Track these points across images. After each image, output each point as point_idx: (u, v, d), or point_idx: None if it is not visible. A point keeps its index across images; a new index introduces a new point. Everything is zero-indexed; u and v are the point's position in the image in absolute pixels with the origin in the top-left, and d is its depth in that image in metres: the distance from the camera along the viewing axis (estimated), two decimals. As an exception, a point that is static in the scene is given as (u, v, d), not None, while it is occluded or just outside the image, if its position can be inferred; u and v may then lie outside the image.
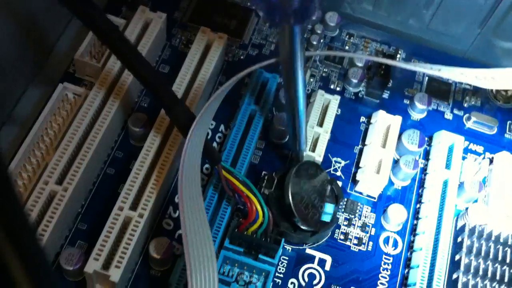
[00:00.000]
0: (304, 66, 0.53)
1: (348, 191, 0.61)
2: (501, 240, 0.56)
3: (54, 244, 0.53)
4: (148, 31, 0.63)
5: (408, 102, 0.68)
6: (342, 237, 0.58)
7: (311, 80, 0.68)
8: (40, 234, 0.50)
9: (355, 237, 0.58)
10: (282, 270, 0.56)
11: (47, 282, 0.26)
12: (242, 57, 0.68)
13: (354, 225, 0.59)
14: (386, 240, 0.59)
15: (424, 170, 0.63)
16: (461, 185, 0.60)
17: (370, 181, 0.59)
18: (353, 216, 0.59)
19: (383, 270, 0.57)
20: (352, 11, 0.73)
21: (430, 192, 0.59)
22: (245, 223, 0.53)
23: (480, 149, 0.66)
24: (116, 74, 0.59)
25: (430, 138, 0.65)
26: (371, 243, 0.58)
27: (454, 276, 0.55)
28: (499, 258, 0.55)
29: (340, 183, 0.60)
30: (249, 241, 0.53)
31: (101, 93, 0.57)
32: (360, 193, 0.61)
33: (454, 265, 0.56)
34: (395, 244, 0.59)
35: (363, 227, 0.59)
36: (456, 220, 0.59)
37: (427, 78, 0.70)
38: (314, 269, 0.56)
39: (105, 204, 0.55)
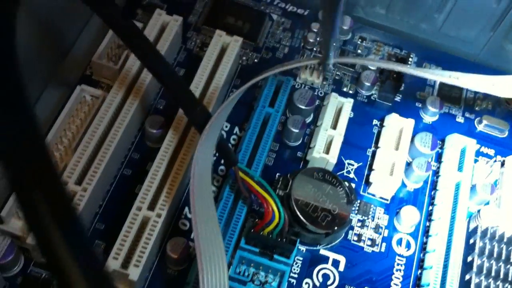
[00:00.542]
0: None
1: (361, 193, 0.62)
2: (513, 242, 0.57)
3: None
4: (165, 34, 0.63)
5: (420, 106, 0.68)
6: (355, 238, 0.59)
7: (324, 83, 0.68)
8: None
9: (369, 239, 0.59)
10: (297, 270, 0.56)
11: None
12: (256, 60, 0.69)
13: (367, 226, 0.60)
14: (399, 242, 0.59)
15: (436, 173, 0.64)
16: (473, 187, 0.60)
17: (383, 183, 0.60)
18: (366, 218, 0.60)
19: (396, 271, 0.58)
20: (365, 15, 0.74)
21: (443, 194, 0.60)
22: (261, 224, 0.53)
23: (491, 152, 0.66)
24: (133, 76, 0.60)
25: (442, 141, 0.66)
26: (384, 244, 0.59)
27: (467, 277, 0.55)
28: (511, 259, 0.56)
29: (353, 185, 0.60)
30: (264, 241, 0.53)
31: (119, 95, 0.58)
32: (373, 195, 0.62)
33: (467, 266, 0.56)
34: (408, 246, 0.59)
35: (376, 228, 0.60)
36: (469, 222, 0.59)
37: (438, 81, 0.71)
38: (328, 269, 0.57)
39: (122, 204, 0.56)
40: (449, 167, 0.61)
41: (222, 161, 0.61)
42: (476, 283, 0.54)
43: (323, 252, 0.58)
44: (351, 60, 0.69)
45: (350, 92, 0.68)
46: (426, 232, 0.60)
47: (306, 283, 0.56)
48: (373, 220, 0.60)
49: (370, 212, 0.61)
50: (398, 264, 0.58)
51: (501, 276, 0.55)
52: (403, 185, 0.62)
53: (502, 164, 0.64)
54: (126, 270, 0.50)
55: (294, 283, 0.56)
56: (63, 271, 0.27)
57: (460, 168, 0.62)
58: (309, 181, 0.57)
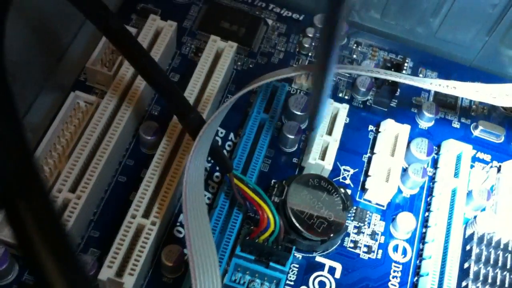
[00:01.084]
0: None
1: (357, 199, 0.61)
2: (510, 248, 0.56)
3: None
4: (159, 39, 0.63)
5: (416, 111, 0.68)
6: (351, 245, 0.59)
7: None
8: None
9: (365, 245, 0.59)
10: (293, 277, 0.56)
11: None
12: (251, 66, 0.69)
13: (363, 233, 0.59)
14: (395, 248, 0.59)
15: (432, 179, 0.63)
16: (469, 193, 0.60)
17: (379, 189, 0.60)
18: (362, 224, 0.60)
19: (393, 278, 0.58)
20: (360, 20, 0.74)
21: (439, 200, 0.60)
22: (256, 231, 0.53)
23: (487, 157, 0.66)
24: (127, 82, 0.60)
25: (438, 147, 0.65)
26: (380, 251, 0.59)
27: (464, 284, 0.55)
28: (508, 266, 0.55)
29: (349, 191, 0.60)
30: (260, 248, 0.53)
31: (113, 102, 0.58)
32: (369, 201, 0.61)
33: (463, 273, 0.56)
34: (404, 252, 0.59)
35: (373, 235, 0.59)
36: (465, 228, 0.59)
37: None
38: (324, 276, 0.57)
39: (117, 211, 0.56)
40: (445, 173, 0.61)
41: (218, 168, 0.60)
42: (472, 290, 0.54)
43: (319, 259, 0.58)
44: (346, 71, 0.69)
45: (346, 97, 0.68)
46: (423, 239, 0.60)
47: (302, 290, 0.56)
48: (369, 227, 0.60)
49: (366, 219, 0.60)
50: (394, 271, 0.58)
51: (498, 282, 0.54)
52: (399, 191, 0.62)
53: (499, 170, 0.64)
54: (120, 278, 0.49)
55: (290, 291, 0.56)
56: (48, 283, 0.26)
57: (456, 174, 0.61)
58: (305, 188, 0.57)
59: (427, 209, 0.61)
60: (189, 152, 0.49)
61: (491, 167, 0.65)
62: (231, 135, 0.63)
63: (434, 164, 0.64)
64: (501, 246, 0.56)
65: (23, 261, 0.52)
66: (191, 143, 0.56)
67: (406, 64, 0.71)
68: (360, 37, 0.73)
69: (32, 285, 0.52)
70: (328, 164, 0.60)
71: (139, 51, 0.49)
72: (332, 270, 0.57)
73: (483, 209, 0.61)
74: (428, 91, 0.70)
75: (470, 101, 0.70)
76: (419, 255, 0.59)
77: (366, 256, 0.58)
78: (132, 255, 0.50)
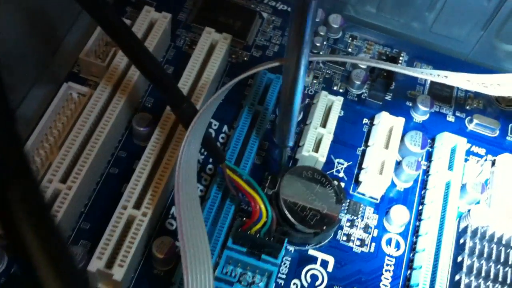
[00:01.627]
0: (308, 67, 0.52)
1: (350, 192, 0.61)
2: (503, 242, 0.56)
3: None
4: (153, 31, 0.63)
5: (410, 104, 0.68)
6: (344, 238, 0.58)
7: (314, 81, 0.68)
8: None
9: (358, 238, 0.59)
10: (285, 270, 0.56)
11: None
12: (246, 59, 0.68)
13: (356, 226, 0.59)
14: (389, 242, 0.59)
15: (426, 172, 0.63)
16: (463, 186, 0.60)
17: (373, 182, 0.59)
18: (355, 217, 0.60)
19: (386, 271, 0.57)
20: (356, 14, 0.73)
21: (433, 193, 0.60)
22: (248, 223, 0.53)
23: (482, 151, 0.66)
24: (121, 73, 0.59)
25: (433, 140, 0.65)
26: (373, 244, 0.58)
27: (457, 277, 0.55)
28: (502, 260, 0.55)
29: (342, 184, 0.60)
30: (252, 240, 0.53)
31: (106, 93, 0.58)
32: (363, 194, 0.61)
33: (456, 267, 0.56)
34: (398, 246, 0.59)
35: (366, 228, 0.59)
36: (459, 222, 0.59)
37: (429, 80, 0.70)
38: (317, 270, 0.56)
39: (108, 203, 0.55)
40: (439, 166, 0.61)
41: (211, 160, 0.60)
42: (466, 284, 0.54)
43: (311, 252, 0.57)
44: (341, 59, 0.69)
45: (341, 90, 0.68)
46: (416, 232, 0.59)
47: (294, 283, 0.55)
48: (362, 220, 0.60)
49: (360, 212, 0.60)
50: (387, 265, 0.58)
51: (491, 276, 0.54)
52: (393, 184, 0.62)
53: (493, 163, 0.63)
54: (110, 270, 0.49)
55: (282, 284, 0.55)
56: (38, 276, 0.26)
57: (450, 167, 0.61)
58: (298, 180, 0.56)
59: (421, 202, 0.61)
60: (182, 142, 0.49)
61: (486, 160, 0.64)
62: (225, 127, 0.63)
63: (428, 157, 0.64)
64: (495, 240, 0.56)
65: (12, 253, 0.51)
66: (183, 135, 0.56)
67: (401, 58, 0.70)
68: (355, 31, 0.73)
69: (22, 276, 0.52)
70: (321, 157, 0.59)
71: (133, 40, 0.49)
72: (324, 263, 0.57)
73: (477, 203, 0.60)
74: (423, 85, 0.70)
75: (465, 94, 0.70)
76: (412, 248, 0.59)
77: (359, 250, 0.58)
78: (122, 246, 0.50)
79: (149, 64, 0.49)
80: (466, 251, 0.56)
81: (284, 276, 0.55)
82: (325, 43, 0.71)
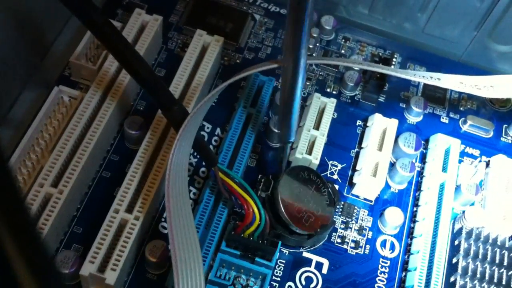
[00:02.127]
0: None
1: (345, 194, 0.61)
2: (498, 243, 0.56)
3: (49, 247, 0.52)
4: (144, 34, 0.62)
5: (404, 106, 0.68)
6: (339, 240, 0.58)
7: (307, 83, 0.68)
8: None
9: (352, 241, 0.58)
10: (279, 273, 0.55)
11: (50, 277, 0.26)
12: (238, 61, 0.68)
13: (351, 228, 0.59)
14: (383, 243, 0.58)
15: (420, 173, 0.63)
16: (457, 188, 0.60)
17: (367, 184, 0.59)
18: (350, 220, 0.59)
19: (381, 273, 0.57)
20: (348, 15, 0.73)
21: (427, 195, 0.59)
22: (241, 226, 0.52)
23: (476, 152, 0.66)
24: (112, 76, 0.59)
25: (427, 141, 0.65)
26: (368, 246, 0.58)
27: (452, 279, 0.55)
28: (496, 261, 0.55)
29: (337, 187, 0.60)
30: (246, 243, 0.52)
31: (97, 96, 0.57)
32: (357, 196, 0.61)
33: (451, 268, 0.55)
34: (392, 247, 0.58)
35: (360, 230, 0.59)
36: (453, 223, 0.59)
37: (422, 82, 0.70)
38: (311, 272, 0.56)
39: (101, 207, 0.55)
40: (434, 168, 0.61)
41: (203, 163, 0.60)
42: (461, 285, 0.54)
43: (306, 254, 0.57)
44: (333, 62, 0.68)
45: (334, 92, 0.68)
46: (411, 234, 0.59)
47: (289, 286, 0.55)
48: (356, 222, 0.59)
49: (354, 214, 0.60)
50: (382, 267, 0.57)
51: (486, 277, 0.54)
52: (387, 186, 0.62)
53: (487, 165, 0.63)
54: (102, 274, 0.48)
55: (277, 287, 0.55)
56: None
57: (444, 169, 0.61)
58: (295, 180, 0.56)
59: (415, 204, 0.61)
60: (173, 145, 0.48)
61: (480, 161, 0.64)
62: (218, 130, 0.63)
63: (422, 158, 0.64)
64: (490, 241, 0.56)
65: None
66: (175, 138, 0.56)
67: (394, 60, 0.70)
68: (348, 33, 0.73)
69: None
70: (315, 159, 0.59)
71: (122, 43, 0.48)
72: (319, 266, 0.56)
73: (472, 204, 0.60)
74: (417, 86, 0.70)
75: (459, 96, 0.70)
76: (407, 250, 0.58)
77: (353, 252, 0.58)
78: (115, 250, 0.50)
79: (138, 65, 0.49)
80: (461, 252, 0.55)
81: (278, 279, 0.55)
82: (318, 44, 0.70)
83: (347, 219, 0.59)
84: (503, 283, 0.54)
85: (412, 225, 0.60)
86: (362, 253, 0.58)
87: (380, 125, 0.63)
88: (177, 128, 0.49)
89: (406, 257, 0.58)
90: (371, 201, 0.61)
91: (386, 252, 0.58)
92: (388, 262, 0.58)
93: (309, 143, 0.60)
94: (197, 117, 0.50)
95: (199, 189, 0.58)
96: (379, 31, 0.73)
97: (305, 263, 0.56)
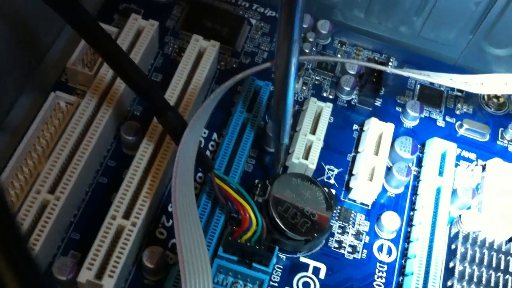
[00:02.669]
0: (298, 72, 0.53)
1: (341, 199, 0.61)
2: (495, 247, 0.56)
3: (46, 254, 0.52)
4: (140, 39, 0.62)
5: (400, 110, 0.68)
6: (336, 245, 0.58)
7: (304, 88, 0.68)
8: (33, 244, 0.49)
9: (349, 245, 0.58)
10: (277, 279, 0.55)
11: None
12: (234, 65, 0.68)
13: (348, 233, 0.59)
14: (380, 248, 0.59)
15: (417, 177, 0.63)
16: (454, 192, 0.60)
17: (364, 188, 0.59)
18: (347, 224, 0.59)
19: (378, 278, 0.57)
20: (344, 19, 0.73)
21: (424, 199, 0.59)
22: (238, 231, 0.53)
23: (472, 156, 0.66)
24: (108, 82, 0.59)
25: (423, 145, 0.65)
26: (365, 251, 0.58)
27: (449, 283, 0.55)
28: (493, 265, 0.55)
29: (333, 191, 0.60)
30: (242, 249, 0.52)
31: (93, 102, 0.57)
32: (354, 200, 0.61)
33: (448, 272, 0.56)
34: (389, 252, 0.58)
35: (357, 235, 0.59)
36: (450, 227, 0.59)
37: (419, 85, 0.70)
38: (309, 277, 0.56)
39: (98, 213, 0.55)
40: (430, 172, 0.61)
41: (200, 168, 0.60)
42: (458, 289, 0.54)
43: (303, 259, 0.57)
44: (331, 59, 0.69)
45: (330, 96, 0.68)
46: (407, 238, 0.59)
47: (286, 291, 0.55)
48: (353, 227, 0.59)
49: (351, 218, 0.60)
50: (379, 271, 0.57)
51: (483, 281, 0.54)
52: (384, 190, 0.62)
53: (483, 168, 0.63)
54: (100, 281, 0.48)
55: (274, 292, 0.55)
56: None
57: (441, 173, 0.61)
58: (288, 186, 0.56)
59: (412, 208, 0.61)
60: (178, 148, 0.48)
61: (476, 165, 0.64)
62: (214, 135, 0.63)
63: (419, 162, 0.64)
64: (486, 245, 0.56)
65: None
66: (172, 143, 0.56)
67: (390, 63, 0.70)
68: (344, 37, 0.73)
69: None
70: (311, 164, 0.59)
71: (113, 48, 0.48)
72: (316, 271, 0.57)
73: (468, 208, 0.60)
74: (413, 90, 0.70)
75: (455, 99, 0.70)
76: (404, 254, 0.58)
77: (351, 256, 0.58)
78: (112, 256, 0.50)
79: (132, 72, 0.49)
80: (458, 256, 0.56)
81: (276, 284, 0.55)
82: (314, 49, 0.70)
83: (344, 223, 0.59)
84: (500, 287, 0.54)
85: (409, 229, 0.60)
86: (359, 257, 0.58)
87: (376, 130, 0.63)
88: (172, 133, 0.49)
89: (403, 261, 0.58)
90: (368, 206, 0.61)
91: (383, 257, 0.58)
92: (385, 266, 0.58)
93: (306, 148, 0.60)
94: (200, 122, 0.51)
95: (196, 195, 0.58)
96: (375, 35, 0.73)
97: (302, 268, 0.56)
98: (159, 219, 0.57)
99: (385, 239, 0.59)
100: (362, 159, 0.61)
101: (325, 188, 0.57)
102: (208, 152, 0.61)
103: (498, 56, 0.71)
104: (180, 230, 0.45)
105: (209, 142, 0.62)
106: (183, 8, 0.71)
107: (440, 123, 0.68)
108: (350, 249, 0.58)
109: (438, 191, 0.60)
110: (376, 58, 0.72)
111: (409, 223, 0.60)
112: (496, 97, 0.70)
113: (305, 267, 0.57)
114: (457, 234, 0.57)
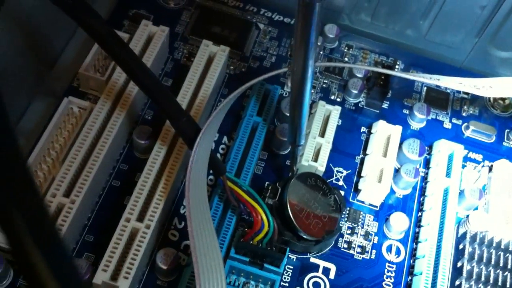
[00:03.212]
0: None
1: (350, 200, 0.62)
2: (502, 247, 0.57)
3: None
4: (151, 45, 0.63)
5: (407, 112, 0.69)
6: (345, 245, 0.59)
7: (312, 91, 0.68)
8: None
9: (359, 246, 0.59)
10: (287, 279, 0.56)
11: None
12: (243, 70, 0.69)
13: (357, 233, 0.60)
14: (389, 248, 0.59)
15: (424, 179, 0.64)
16: (461, 193, 0.61)
17: (372, 190, 0.60)
18: (356, 225, 0.60)
19: (387, 277, 0.58)
20: (351, 23, 0.74)
21: (431, 200, 0.60)
22: (250, 233, 0.53)
23: (479, 157, 0.67)
24: (120, 87, 0.60)
25: (430, 147, 0.66)
26: (374, 251, 0.59)
27: (457, 282, 0.55)
28: (501, 264, 0.56)
29: (342, 193, 0.61)
30: (254, 250, 0.53)
31: (106, 106, 0.58)
32: (362, 202, 0.62)
33: (456, 272, 0.56)
34: (398, 252, 0.59)
35: (366, 235, 0.60)
36: (458, 228, 0.59)
37: (425, 88, 0.71)
38: (319, 277, 0.57)
39: (111, 216, 0.56)
40: (437, 173, 0.62)
41: (211, 171, 0.60)
42: (466, 288, 0.55)
43: (313, 260, 0.58)
44: (337, 64, 0.70)
45: (338, 100, 0.69)
46: (416, 238, 0.60)
47: (297, 291, 0.56)
48: (362, 227, 0.60)
49: (360, 219, 0.61)
50: (388, 271, 0.58)
51: (491, 281, 0.55)
52: (392, 191, 0.63)
53: (490, 169, 0.64)
54: (115, 282, 0.49)
55: (285, 292, 0.56)
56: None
57: (448, 174, 0.62)
58: (303, 186, 0.57)
59: (420, 209, 0.62)
60: (192, 153, 0.49)
61: (483, 166, 0.65)
62: (225, 138, 0.64)
63: (426, 164, 0.65)
64: (494, 245, 0.57)
65: (18, 267, 0.52)
66: (184, 147, 0.57)
67: (397, 66, 0.71)
68: (351, 40, 0.74)
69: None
70: (320, 166, 0.60)
71: (128, 54, 0.49)
72: (326, 271, 0.57)
73: (475, 208, 0.61)
74: (419, 92, 0.71)
75: (461, 101, 0.71)
76: (413, 254, 0.59)
77: (360, 257, 0.59)
78: (127, 258, 0.51)
79: (146, 79, 0.50)
80: (466, 256, 0.56)
81: (286, 285, 0.56)
82: (321, 52, 0.71)
83: (353, 224, 0.60)
84: (508, 286, 0.55)
85: (417, 230, 0.61)
86: (368, 258, 0.59)
87: (384, 132, 0.64)
88: (186, 138, 0.50)
89: (411, 261, 0.59)
90: (376, 207, 0.62)
91: (392, 257, 0.59)
92: (394, 266, 0.59)
93: (315, 150, 0.61)
94: (213, 126, 0.52)
95: (208, 197, 0.59)
96: (381, 38, 0.74)
97: (312, 269, 0.57)
98: (172, 221, 0.58)
99: (393, 239, 0.60)
100: (371, 161, 0.62)
101: (335, 190, 0.58)
102: (218, 155, 0.62)
103: (503, 59, 0.72)
104: (194, 232, 0.46)
105: (219, 146, 0.63)
106: (192, 13, 0.72)
107: (447, 125, 0.69)
108: (359, 250, 0.59)
109: (446, 192, 0.61)
110: (382, 61, 0.72)
111: (417, 223, 0.61)
112: (502, 99, 0.71)
113: (315, 267, 0.57)
114: (464, 234, 0.58)
